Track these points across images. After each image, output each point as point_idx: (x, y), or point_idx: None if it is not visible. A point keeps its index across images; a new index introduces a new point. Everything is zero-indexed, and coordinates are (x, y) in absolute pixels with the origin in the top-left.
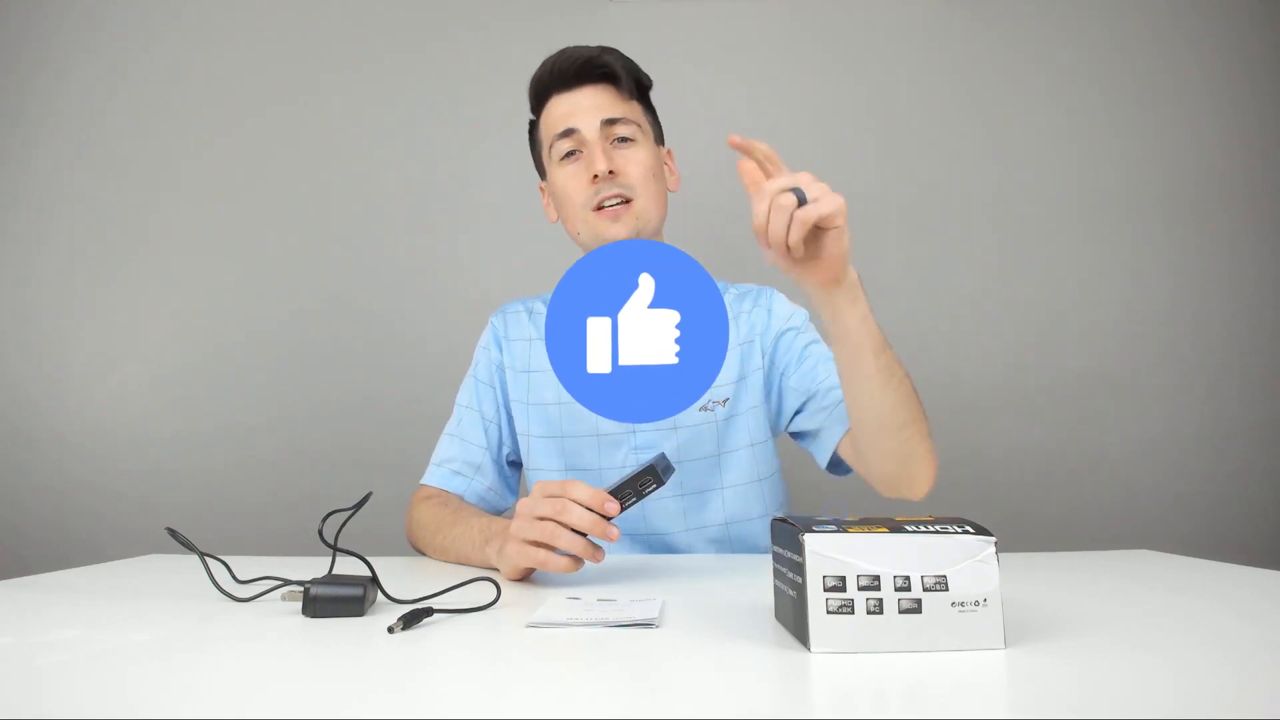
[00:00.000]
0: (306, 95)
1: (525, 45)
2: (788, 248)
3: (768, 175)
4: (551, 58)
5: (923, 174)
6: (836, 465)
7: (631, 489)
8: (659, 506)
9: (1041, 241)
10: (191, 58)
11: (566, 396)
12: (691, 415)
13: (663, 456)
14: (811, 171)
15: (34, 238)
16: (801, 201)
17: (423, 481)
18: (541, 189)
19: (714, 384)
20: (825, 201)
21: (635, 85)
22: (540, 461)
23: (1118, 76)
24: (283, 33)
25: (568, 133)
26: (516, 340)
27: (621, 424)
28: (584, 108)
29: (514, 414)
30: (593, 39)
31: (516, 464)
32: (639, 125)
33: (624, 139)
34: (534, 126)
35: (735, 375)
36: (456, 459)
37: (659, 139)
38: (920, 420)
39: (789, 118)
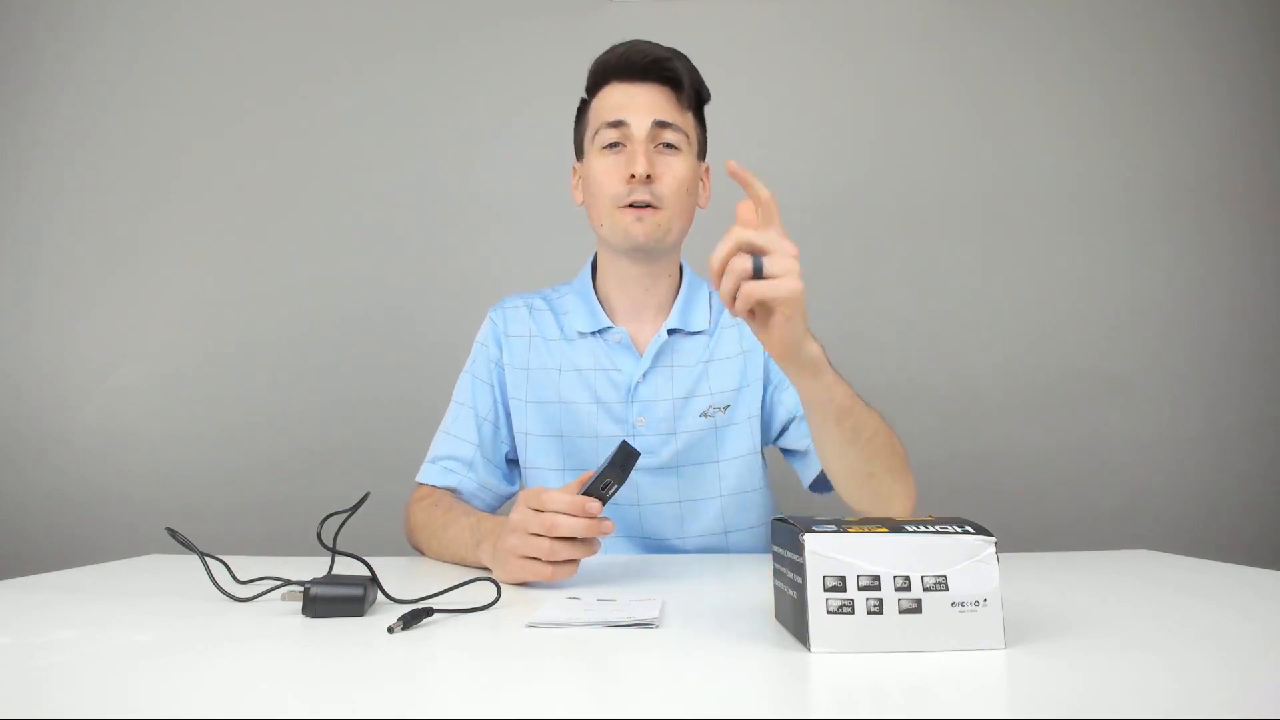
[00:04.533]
0: (307, 95)
1: (525, 44)
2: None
3: (761, 221)
4: (623, 46)
5: (923, 172)
6: (820, 484)
7: (607, 481)
8: (656, 511)
9: (1041, 240)
10: (190, 57)
11: (567, 395)
12: (692, 420)
13: (624, 445)
14: (808, 166)
15: (33, 238)
16: (758, 272)
17: (418, 479)
18: (574, 169)
19: (715, 391)
20: (781, 284)
21: (695, 96)
22: (537, 460)
23: (1117, 75)
24: (284, 32)
25: (617, 124)
26: (516, 337)
27: (622, 428)
28: (640, 104)
29: (512, 412)
30: (593, 39)
31: (516, 462)
32: (687, 136)
33: (669, 145)
34: (584, 106)
35: (736, 383)
36: (449, 456)
37: (702, 154)
38: (892, 467)
39: (789, 116)
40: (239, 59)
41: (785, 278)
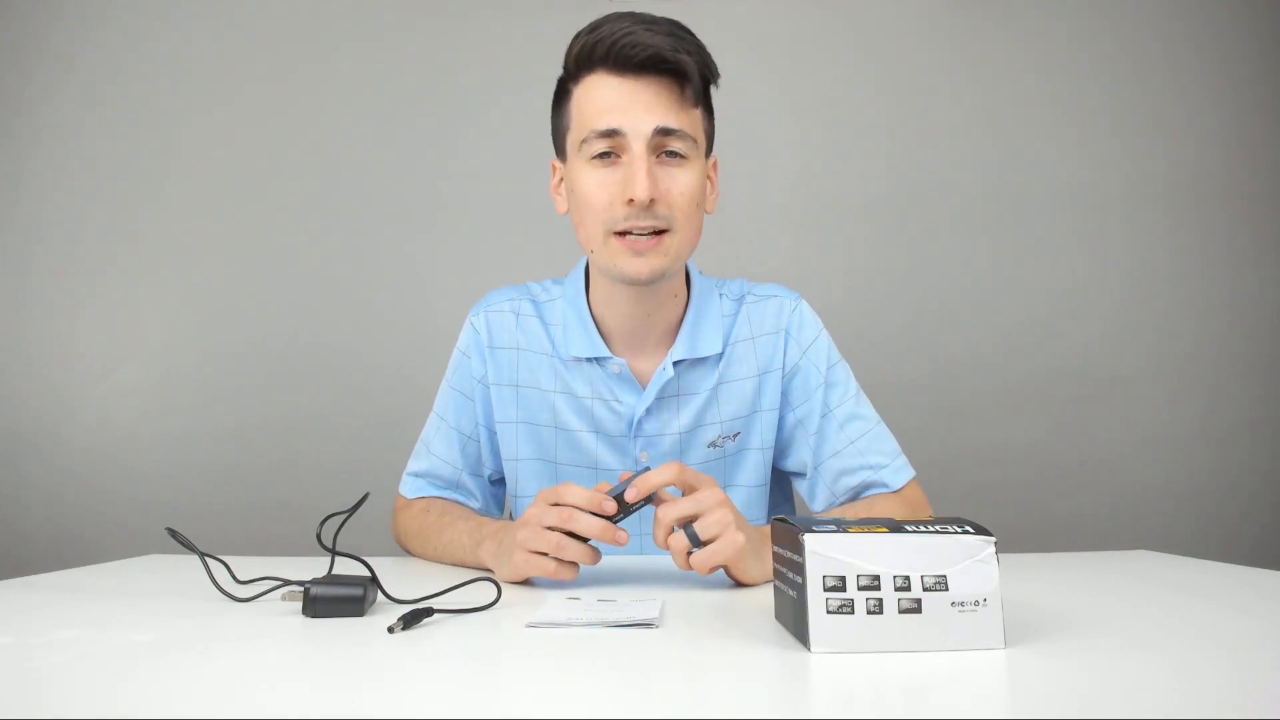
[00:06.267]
0: (304, 98)
1: (521, 45)
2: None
3: (679, 478)
4: (614, 28)
5: (924, 169)
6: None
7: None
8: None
9: (1043, 240)
10: (187, 60)
11: (562, 420)
12: (699, 453)
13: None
14: (809, 163)
15: (32, 238)
16: (695, 540)
17: (400, 491)
18: (554, 167)
19: (725, 419)
20: (722, 547)
21: (703, 86)
22: (529, 489)
23: (1119, 74)
24: (285, 34)
25: (610, 133)
26: (502, 349)
27: (624, 462)
28: (639, 105)
29: (499, 434)
30: None
31: (501, 482)
32: (695, 140)
33: (674, 153)
34: (564, 91)
35: (749, 407)
36: (431, 474)
37: (709, 149)
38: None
39: (792, 117)
40: (234, 63)
41: (723, 536)
